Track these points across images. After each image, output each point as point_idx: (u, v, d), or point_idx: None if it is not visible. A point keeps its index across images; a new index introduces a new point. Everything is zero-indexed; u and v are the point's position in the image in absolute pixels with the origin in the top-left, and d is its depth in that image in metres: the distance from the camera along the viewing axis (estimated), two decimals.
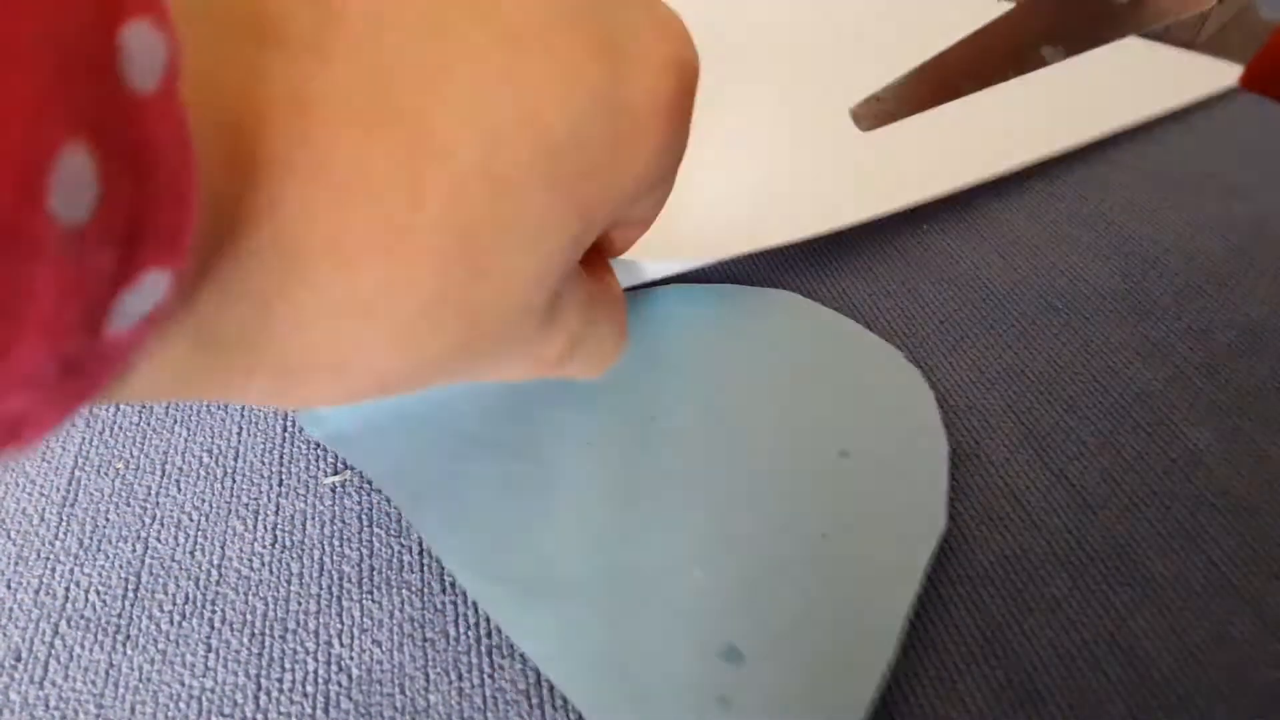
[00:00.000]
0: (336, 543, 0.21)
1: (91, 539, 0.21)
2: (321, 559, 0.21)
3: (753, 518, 0.21)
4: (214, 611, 0.20)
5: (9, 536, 0.21)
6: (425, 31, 0.10)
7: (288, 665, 0.19)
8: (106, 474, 0.23)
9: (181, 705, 0.18)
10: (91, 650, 0.19)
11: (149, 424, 0.24)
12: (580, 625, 0.19)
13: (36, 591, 0.20)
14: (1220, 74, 0.19)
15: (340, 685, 0.19)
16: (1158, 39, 0.19)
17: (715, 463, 0.22)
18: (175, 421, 0.24)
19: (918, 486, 0.22)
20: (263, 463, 0.23)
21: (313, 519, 0.22)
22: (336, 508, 0.22)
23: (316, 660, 0.19)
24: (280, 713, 0.18)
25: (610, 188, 0.13)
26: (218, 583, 0.20)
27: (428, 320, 0.12)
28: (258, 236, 0.10)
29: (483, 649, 0.19)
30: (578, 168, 0.12)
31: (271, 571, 0.21)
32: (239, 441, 0.24)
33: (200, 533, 0.21)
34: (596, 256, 0.18)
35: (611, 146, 0.12)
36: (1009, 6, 0.19)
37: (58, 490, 0.22)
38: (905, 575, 0.20)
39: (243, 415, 0.24)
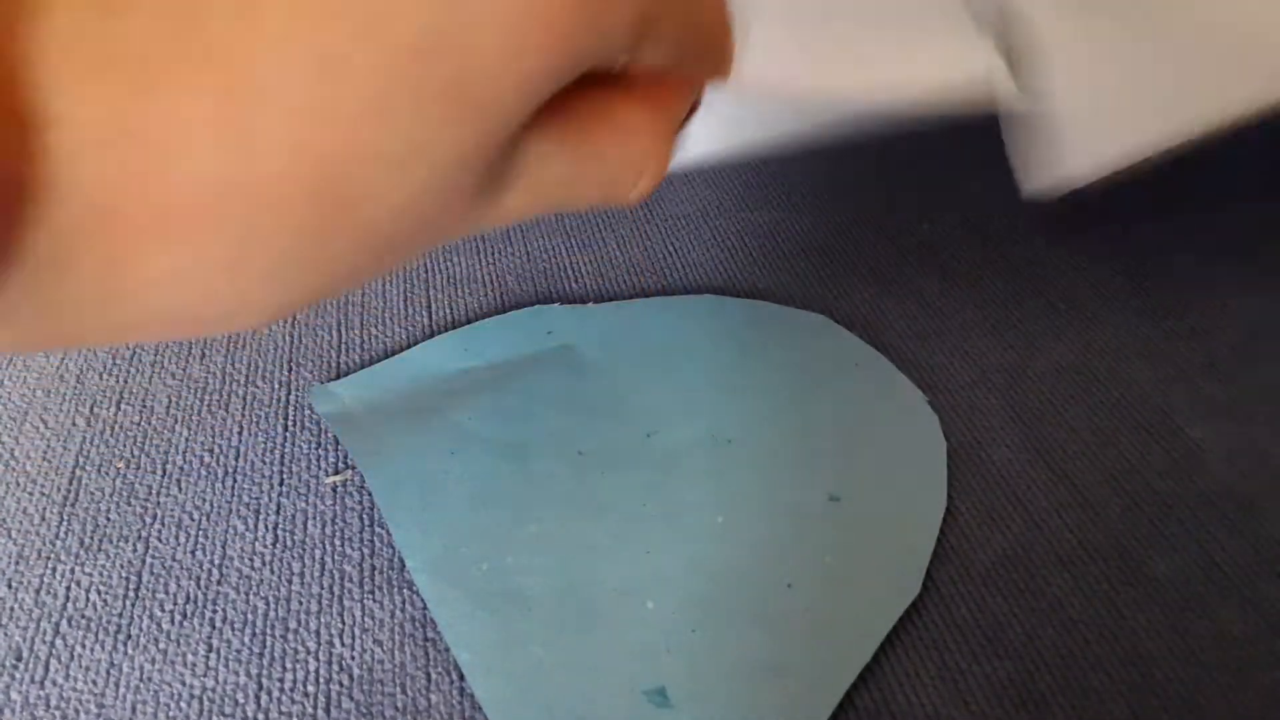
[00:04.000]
0: (338, 542, 0.21)
1: (92, 538, 0.21)
2: (322, 558, 0.21)
3: (722, 553, 0.20)
4: (215, 611, 0.20)
5: (10, 536, 0.21)
6: None
7: (289, 665, 0.19)
8: (107, 473, 0.23)
9: (182, 705, 0.18)
10: (92, 650, 0.19)
11: (150, 423, 0.24)
12: (519, 643, 0.19)
13: (37, 591, 0.20)
14: None
15: (341, 685, 0.19)
16: None
17: (700, 488, 0.22)
18: (176, 421, 0.24)
19: (901, 545, 0.21)
20: (264, 462, 0.23)
21: (314, 518, 0.22)
22: (337, 507, 0.22)
23: (318, 660, 0.19)
24: (281, 712, 0.18)
25: (507, 86, 0.10)
26: (219, 582, 0.20)
27: (299, 263, 0.11)
28: (70, 213, 0.09)
29: None
30: (452, 72, 0.10)
31: (272, 571, 0.21)
32: (240, 441, 0.23)
33: (201, 532, 0.21)
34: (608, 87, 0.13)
35: (497, 37, 0.10)
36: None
37: (58, 490, 0.22)
38: (862, 640, 0.19)
39: (244, 415, 0.24)
